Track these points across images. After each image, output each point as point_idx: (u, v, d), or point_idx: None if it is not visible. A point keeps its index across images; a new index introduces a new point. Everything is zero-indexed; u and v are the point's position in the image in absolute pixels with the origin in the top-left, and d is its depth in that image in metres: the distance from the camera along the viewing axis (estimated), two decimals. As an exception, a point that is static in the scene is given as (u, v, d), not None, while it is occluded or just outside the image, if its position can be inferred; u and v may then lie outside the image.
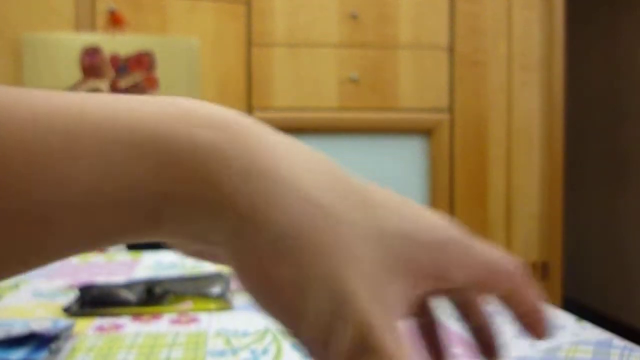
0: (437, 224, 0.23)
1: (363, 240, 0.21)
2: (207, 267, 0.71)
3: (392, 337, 0.20)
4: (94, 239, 0.19)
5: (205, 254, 0.25)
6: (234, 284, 0.63)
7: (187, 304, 0.54)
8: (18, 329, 0.42)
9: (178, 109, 0.20)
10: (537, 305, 0.25)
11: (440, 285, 0.23)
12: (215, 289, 0.56)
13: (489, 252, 0.24)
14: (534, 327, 0.25)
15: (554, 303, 2.21)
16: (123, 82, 1.85)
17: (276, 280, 0.20)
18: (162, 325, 0.49)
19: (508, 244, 2.22)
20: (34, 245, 0.18)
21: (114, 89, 1.85)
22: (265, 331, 0.47)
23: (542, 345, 0.42)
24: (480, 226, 2.20)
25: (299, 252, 0.20)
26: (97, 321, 0.50)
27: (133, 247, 1.26)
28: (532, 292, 0.25)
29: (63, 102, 0.18)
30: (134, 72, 1.87)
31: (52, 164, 0.17)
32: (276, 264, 0.20)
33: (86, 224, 0.18)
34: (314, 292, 0.20)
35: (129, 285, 0.56)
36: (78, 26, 1.87)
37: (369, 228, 0.21)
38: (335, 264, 0.20)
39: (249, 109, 2.04)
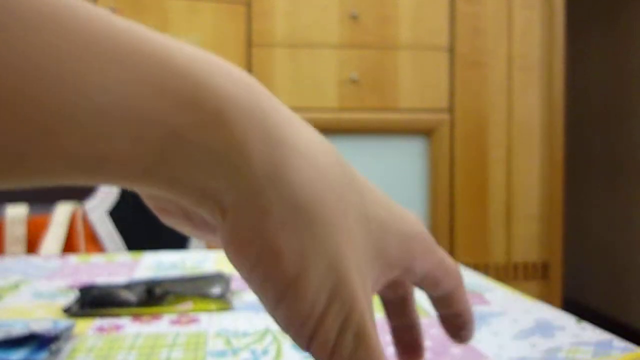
0: (408, 217, 0.25)
1: (357, 223, 0.22)
2: (208, 268, 0.71)
3: (374, 327, 0.21)
4: (91, 162, 0.17)
5: (192, 219, 0.24)
6: (235, 284, 0.63)
7: (187, 305, 0.54)
8: (18, 330, 0.42)
9: (206, 57, 0.19)
10: (470, 308, 0.28)
11: (402, 276, 0.25)
12: (215, 290, 0.56)
13: (443, 253, 0.26)
14: (462, 327, 0.28)
15: (554, 303, 2.21)
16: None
17: (282, 248, 0.19)
18: (162, 325, 0.49)
19: (508, 244, 2.21)
20: (35, 153, 0.16)
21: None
22: (265, 331, 0.47)
23: (542, 345, 0.42)
24: (480, 226, 2.20)
25: (311, 224, 0.20)
26: (97, 322, 0.50)
27: (134, 248, 1.26)
28: (467, 297, 0.28)
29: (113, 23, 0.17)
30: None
31: (85, 70, 0.16)
32: (288, 231, 0.19)
33: (92, 139, 0.17)
34: (316, 266, 0.20)
35: (129, 286, 0.56)
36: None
37: (360, 212, 0.22)
38: (338, 242, 0.20)
39: (249, 109, 2.04)
